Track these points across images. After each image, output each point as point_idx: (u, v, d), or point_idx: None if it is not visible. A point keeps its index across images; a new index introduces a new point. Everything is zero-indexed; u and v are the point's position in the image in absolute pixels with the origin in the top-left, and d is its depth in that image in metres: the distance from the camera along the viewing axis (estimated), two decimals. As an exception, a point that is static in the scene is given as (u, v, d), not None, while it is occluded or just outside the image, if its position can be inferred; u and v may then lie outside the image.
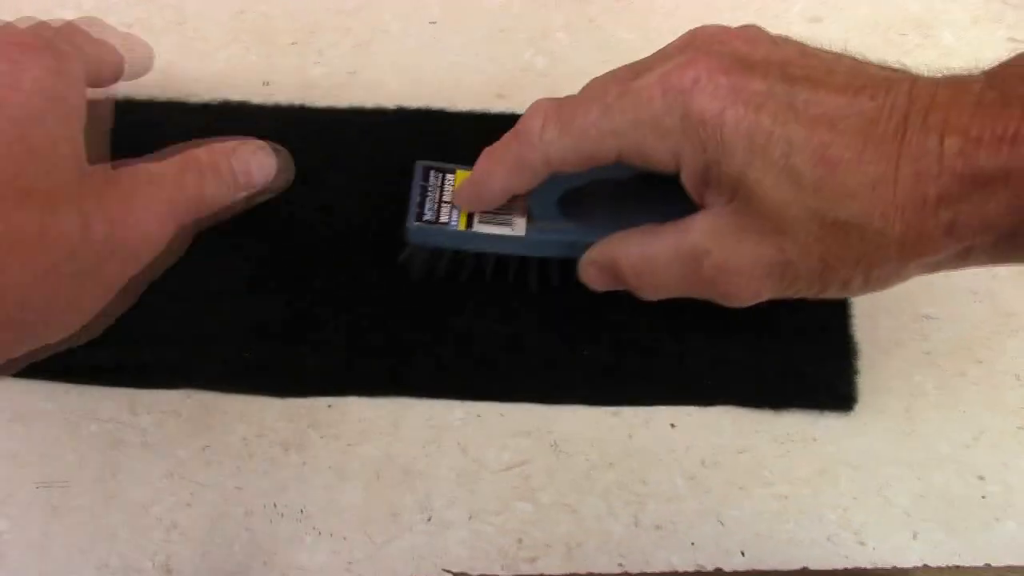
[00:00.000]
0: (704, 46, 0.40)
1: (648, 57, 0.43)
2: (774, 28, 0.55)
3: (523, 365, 0.49)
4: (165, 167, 0.44)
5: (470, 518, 0.47)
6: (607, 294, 0.47)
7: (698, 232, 0.41)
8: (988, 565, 0.46)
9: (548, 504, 0.47)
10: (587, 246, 0.45)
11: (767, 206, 0.38)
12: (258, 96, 0.55)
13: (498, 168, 0.44)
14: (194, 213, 0.45)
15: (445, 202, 0.47)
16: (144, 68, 0.51)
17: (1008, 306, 0.51)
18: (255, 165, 0.47)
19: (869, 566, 0.46)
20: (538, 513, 0.47)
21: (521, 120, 0.43)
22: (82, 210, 0.39)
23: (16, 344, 0.40)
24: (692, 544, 0.47)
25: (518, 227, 0.46)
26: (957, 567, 0.46)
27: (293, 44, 0.57)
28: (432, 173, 0.47)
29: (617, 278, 0.45)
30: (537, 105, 0.43)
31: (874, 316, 0.50)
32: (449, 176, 0.47)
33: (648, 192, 0.44)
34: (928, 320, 0.50)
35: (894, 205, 0.36)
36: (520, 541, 0.47)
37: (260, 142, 0.48)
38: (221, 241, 0.49)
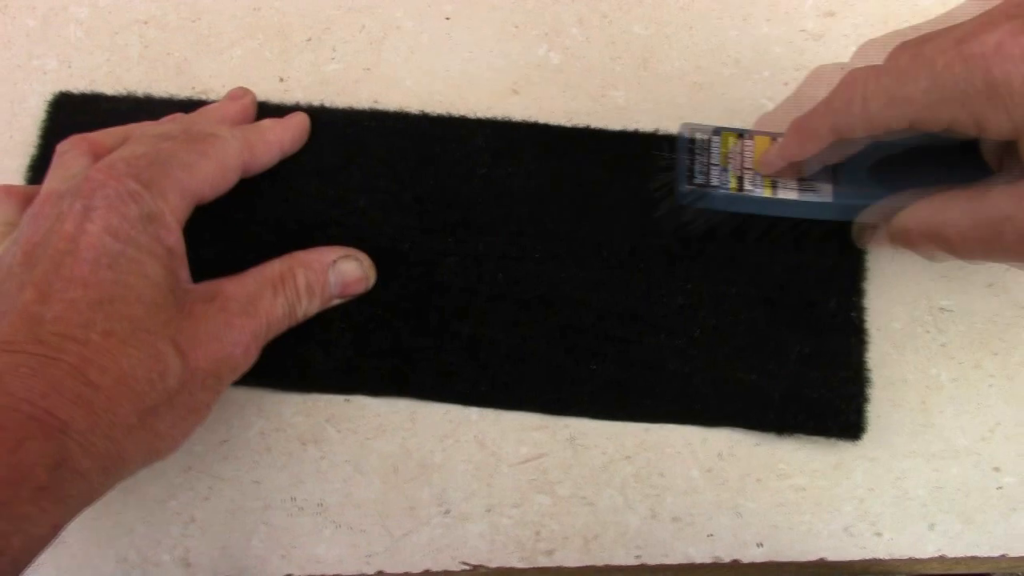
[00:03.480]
0: (1005, 8, 0.38)
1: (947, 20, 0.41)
2: (787, 22, 0.56)
3: (528, 377, 0.49)
4: (259, 291, 0.45)
5: (488, 511, 0.47)
6: (614, 307, 0.49)
7: (1000, 196, 0.40)
8: (1004, 556, 0.46)
9: (565, 497, 0.47)
10: (888, 209, 0.45)
11: None
12: (273, 92, 0.55)
13: (815, 138, 0.43)
14: (280, 330, 0.46)
15: (721, 166, 0.47)
16: (302, 139, 0.52)
17: (1023, 298, 0.51)
18: (352, 276, 0.48)
19: (886, 557, 0.46)
20: (555, 506, 0.47)
21: (837, 91, 0.42)
22: (179, 348, 0.41)
23: (113, 481, 0.40)
24: (709, 536, 0.47)
25: (824, 192, 0.46)
26: (974, 557, 0.46)
27: (308, 41, 0.57)
28: (699, 134, 0.48)
29: (934, 242, 0.43)
30: (852, 75, 0.42)
31: (889, 309, 0.50)
32: (715, 139, 0.48)
33: (947, 155, 0.44)
34: (944, 313, 0.50)
35: None
36: (538, 534, 0.47)
37: (356, 251, 0.49)
38: (233, 234, 0.49)
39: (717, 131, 0.48)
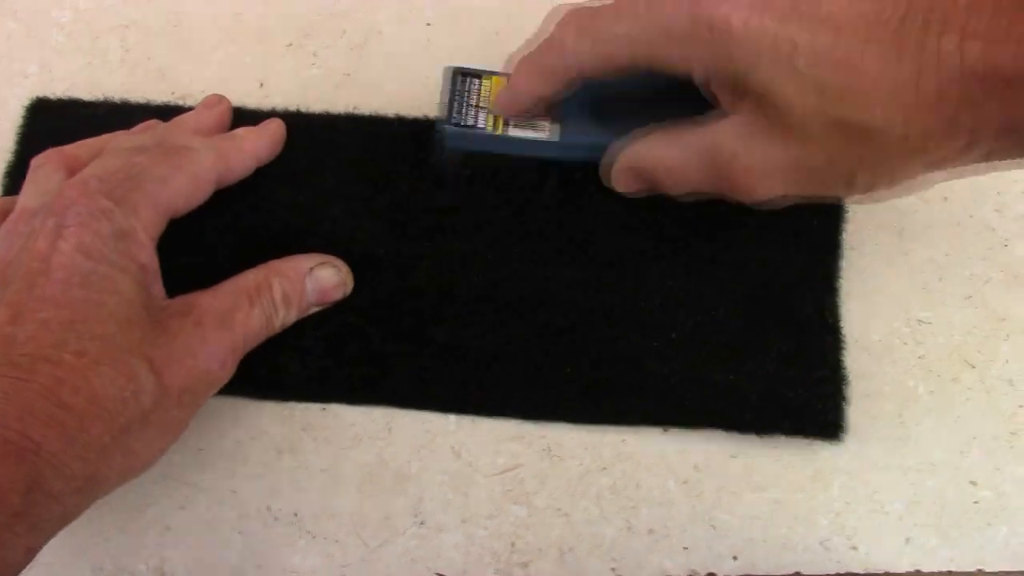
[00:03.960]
0: None
1: None
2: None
3: (504, 381, 0.49)
4: (234, 303, 0.45)
5: (463, 522, 0.47)
6: (592, 309, 0.49)
7: (725, 135, 0.41)
8: (980, 570, 0.46)
9: (541, 508, 0.47)
10: (617, 150, 0.46)
11: (793, 114, 0.38)
12: (253, 97, 0.55)
13: (531, 76, 0.45)
14: (258, 342, 0.46)
15: (478, 106, 0.48)
16: (278, 147, 0.52)
17: (1001, 311, 0.51)
18: (329, 284, 0.48)
19: (862, 571, 0.46)
20: (531, 517, 0.47)
21: (556, 29, 0.44)
22: (154, 366, 0.41)
23: (88, 501, 0.40)
24: (685, 548, 0.47)
25: (552, 132, 0.48)
26: (950, 572, 0.46)
27: (288, 46, 0.57)
28: (460, 79, 0.49)
29: (646, 179, 0.45)
30: (567, 15, 0.44)
31: (867, 320, 0.50)
32: (475, 81, 0.49)
33: (677, 99, 0.44)
34: (922, 324, 0.50)
35: (916, 108, 0.37)
36: (513, 545, 0.47)
37: (332, 258, 0.49)
38: (207, 245, 0.49)
39: (480, 73, 0.50)
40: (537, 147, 0.48)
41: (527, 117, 0.48)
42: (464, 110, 0.48)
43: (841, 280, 0.51)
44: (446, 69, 0.49)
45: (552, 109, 0.48)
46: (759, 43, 0.38)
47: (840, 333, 0.50)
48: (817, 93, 0.38)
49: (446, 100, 0.48)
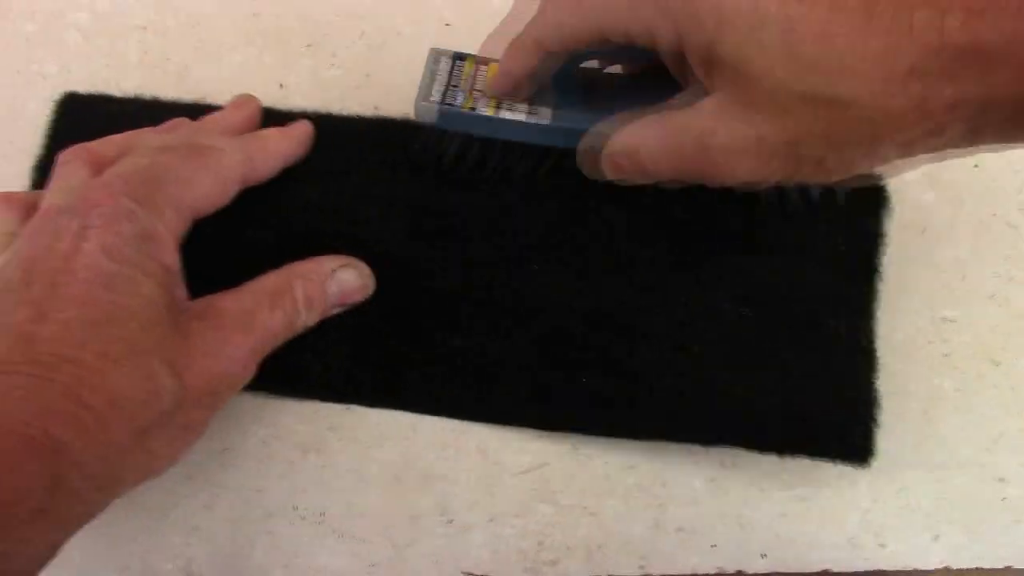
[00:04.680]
0: None
1: None
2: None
3: (517, 392, 0.48)
4: (256, 306, 0.44)
5: (490, 521, 0.47)
6: (610, 319, 0.49)
7: (701, 113, 0.41)
8: (1009, 567, 0.46)
9: (568, 507, 0.47)
10: (602, 134, 0.46)
11: (762, 86, 0.38)
12: (273, 99, 0.55)
13: (515, 52, 0.46)
14: (279, 343, 0.46)
15: (468, 89, 0.49)
16: (304, 148, 0.52)
17: (1026, 308, 0.51)
18: (351, 286, 0.48)
19: (890, 569, 0.46)
20: (558, 516, 0.47)
21: (540, 3, 0.44)
22: (175, 367, 0.40)
23: (109, 499, 0.40)
24: (713, 546, 0.47)
25: (543, 116, 0.48)
26: (978, 569, 0.46)
27: (308, 47, 0.57)
28: (443, 59, 0.49)
29: (630, 164, 0.45)
30: None
31: (892, 319, 0.50)
32: (460, 63, 0.49)
33: (668, 85, 0.44)
34: (947, 323, 0.50)
35: (883, 84, 0.36)
36: (541, 543, 0.47)
37: (354, 260, 0.48)
38: (229, 246, 0.49)
39: (461, 56, 0.50)
40: (528, 131, 0.48)
41: (518, 99, 0.48)
42: (449, 92, 0.48)
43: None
44: (430, 51, 0.50)
45: (544, 95, 0.48)
46: (728, 11, 0.37)
47: (875, 356, 0.48)
48: (785, 64, 0.37)
49: (430, 81, 0.49)
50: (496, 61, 0.48)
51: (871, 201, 0.50)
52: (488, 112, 0.47)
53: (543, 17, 0.44)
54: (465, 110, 0.47)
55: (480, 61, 0.50)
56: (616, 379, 0.48)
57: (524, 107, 0.48)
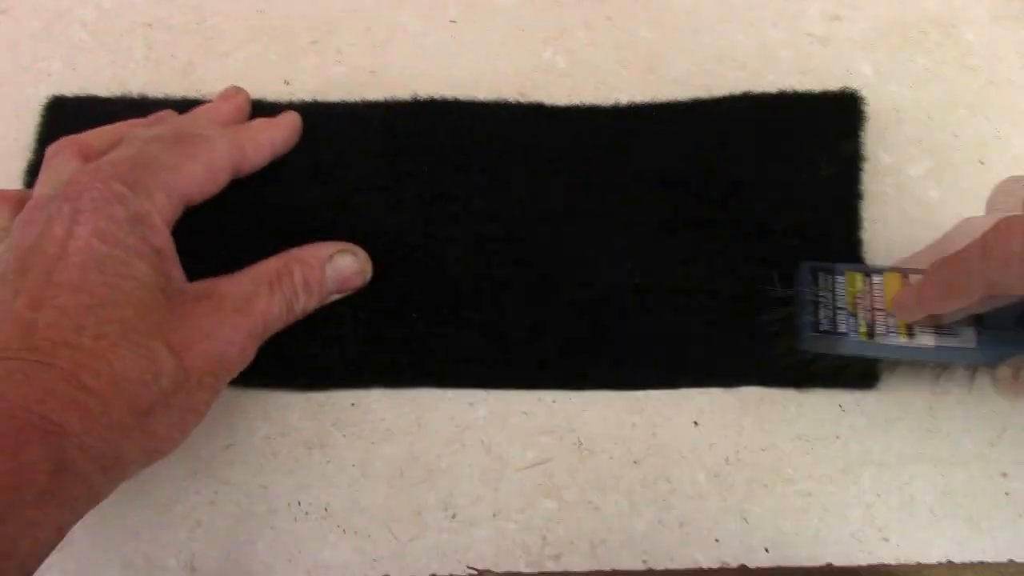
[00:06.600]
0: None
1: None
2: (792, 26, 0.56)
3: (543, 353, 0.49)
4: (254, 289, 0.45)
5: (494, 515, 0.47)
6: (621, 283, 0.50)
7: None
8: (1012, 561, 0.46)
9: (572, 502, 0.47)
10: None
11: None
12: (279, 95, 0.55)
13: (965, 292, 0.40)
14: (278, 328, 0.46)
15: (839, 308, 0.46)
16: (294, 138, 0.52)
17: (1030, 303, 0.51)
18: (349, 271, 0.48)
19: (893, 563, 0.46)
20: (562, 510, 0.47)
21: (993, 242, 0.38)
22: (173, 348, 0.41)
23: (115, 482, 0.41)
24: (716, 541, 0.47)
25: (966, 338, 0.45)
26: (981, 563, 0.46)
27: (313, 43, 0.57)
28: (821, 275, 0.47)
29: None
30: (1010, 225, 0.38)
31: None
32: (839, 279, 0.47)
33: None
34: (950, 317, 0.50)
35: None
36: (544, 538, 0.47)
37: (351, 246, 0.49)
38: (231, 234, 0.49)
39: (840, 270, 0.47)
40: (947, 353, 0.45)
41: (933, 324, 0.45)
42: (839, 315, 0.46)
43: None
44: (802, 265, 0.48)
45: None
46: None
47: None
48: None
49: (808, 302, 0.47)
50: (891, 271, 0.47)
51: None
52: (901, 340, 0.45)
53: (1008, 263, 0.37)
54: (865, 338, 0.46)
55: (868, 274, 0.47)
56: (643, 330, 0.50)
57: (935, 329, 0.45)
